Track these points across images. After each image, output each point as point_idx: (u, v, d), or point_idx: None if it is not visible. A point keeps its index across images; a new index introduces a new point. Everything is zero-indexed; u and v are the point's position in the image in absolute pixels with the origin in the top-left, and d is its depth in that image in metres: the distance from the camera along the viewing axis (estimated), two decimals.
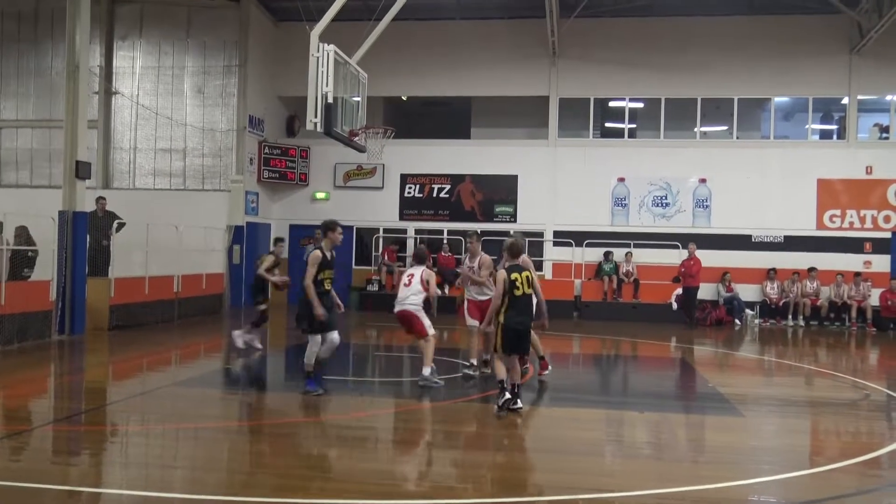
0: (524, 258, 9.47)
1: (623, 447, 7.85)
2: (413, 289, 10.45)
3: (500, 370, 8.59)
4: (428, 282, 10.50)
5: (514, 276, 8.48)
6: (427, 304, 10.51)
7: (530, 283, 8.57)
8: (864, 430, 9.00)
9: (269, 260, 13.18)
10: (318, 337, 9.34)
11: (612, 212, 21.68)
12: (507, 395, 8.49)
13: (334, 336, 9.51)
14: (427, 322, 10.42)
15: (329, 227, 9.52)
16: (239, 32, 21.28)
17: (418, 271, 10.60)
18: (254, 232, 21.80)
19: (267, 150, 22.31)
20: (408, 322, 10.51)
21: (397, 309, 10.58)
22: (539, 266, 21.58)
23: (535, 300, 8.83)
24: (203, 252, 18.98)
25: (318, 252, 9.23)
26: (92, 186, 17.45)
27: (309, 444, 7.65)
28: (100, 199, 16.60)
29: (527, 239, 10.34)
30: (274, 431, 7.92)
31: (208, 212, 20.48)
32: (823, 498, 6.04)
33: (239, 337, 13.04)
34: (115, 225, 16.12)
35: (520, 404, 8.58)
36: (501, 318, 8.49)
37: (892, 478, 6.92)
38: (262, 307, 13.06)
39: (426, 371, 10.22)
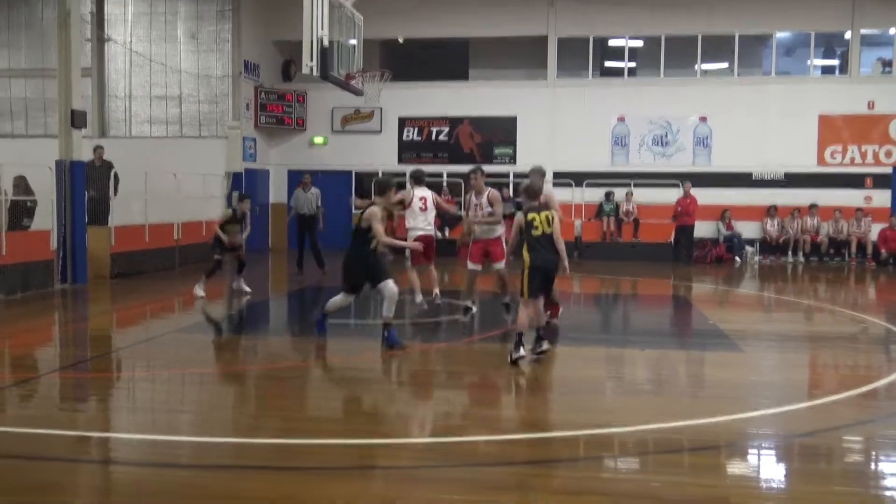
0: (547, 195, 8.96)
1: (624, 384, 7.94)
2: (431, 212, 11.04)
3: (524, 321, 8.08)
4: (437, 201, 11.26)
5: (530, 216, 8.12)
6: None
7: (550, 223, 8.13)
8: (863, 363, 9.11)
9: (226, 215, 13.29)
10: (351, 297, 9.17)
11: (611, 151, 21.56)
12: (523, 350, 7.99)
13: (390, 286, 8.77)
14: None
15: (385, 188, 9.21)
16: None
17: (428, 193, 11.13)
18: (252, 178, 21.71)
19: (263, 96, 22.10)
20: (428, 246, 10.93)
21: (420, 234, 10.94)
22: None
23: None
24: (202, 199, 18.93)
25: (377, 209, 8.75)
26: (88, 135, 17.34)
27: (313, 387, 7.74)
28: (97, 149, 16.49)
29: (545, 177, 9.96)
30: (278, 375, 8.00)
31: (206, 159, 20.36)
32: (821, 429, 6.13)
33: (199, 288, 12.76)
34: (112, 178, 16.01)
35: (545, 346, 8.31)
36: (526, 261, 8.06)
37: (889, 409, 7.02)
38: (217, 258, 13.00)
39: (437, 294, 11.22)
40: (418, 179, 11.28)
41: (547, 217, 8.15)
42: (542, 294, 8.39)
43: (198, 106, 21.37)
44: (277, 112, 22.33)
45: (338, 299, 9.14)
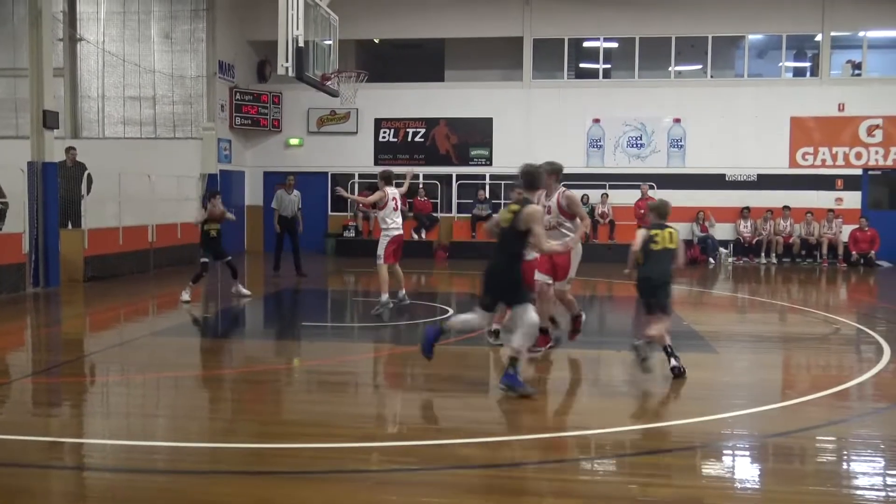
0: (569, 197, 8.77)
1: (599, 386, 7.99)
2: (399, 210, 11.38)
3: (660, 332, 7.76)
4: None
5: (653, 232, 7.92)
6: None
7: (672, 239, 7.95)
8: (835, 363, 9.23)
9: (203, 215, 13.13)
10: (487, 316, 7.60)
11: (587, 153, 21.67)
12: (674, 360, 7.68)
13: (531, 315, 7.18)
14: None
15: (538, 181, 7.70)
16: None
17: (397, 192, 11.46)
18: (227, 180, 21.57)
19: (238, 97, 21.98)
20: (400, 245, 11.42)
21: (395, 233, 11.36)
22: None
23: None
24: (177, 201, 18.79)
25: (538, 208, 7.39)
26: (61, 136, 17.13)
27: (289, 391, 7.72)
28: (70, 150, 16.31)
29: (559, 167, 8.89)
30: (254, 378, 7.97)
31: (180, 160, 20.20)
32: (794, 430, 6.20)
33: (185, 293, 12.49)
34: (85, 179, 15.85)
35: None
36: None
37: (860, 409, 7.12)
38: (204, 261, 12.89)
39: (403, 294, 11.48)
40: (388, 179, 11.44)
41: (671, 234, 7.99)
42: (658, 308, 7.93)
43: (172, 107, 21.20)
44: (253, 113, 22.22)
45: (468, 318, 7.47)
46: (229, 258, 13.15)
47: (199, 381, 7.93)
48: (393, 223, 11.35)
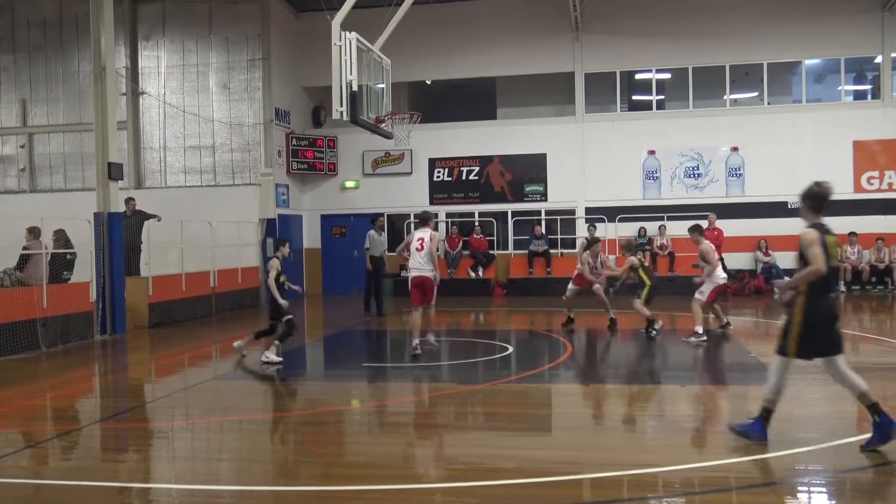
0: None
1: (664, 421, 7.79)
2: (425, 252, 10.83)
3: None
4: (435, 243, 10.98)
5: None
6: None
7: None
8: None
9: (277, 267, 11.25)
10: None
11: (643, 185, 21.47)
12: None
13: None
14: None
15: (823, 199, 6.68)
16: (260, 26, 21.34)
17: (426, 234, 10.94)
18: (286, 224, 21.93)
19: (294, 142, 22.40)
20: (422, 287, 10.90)
21: (414, 274, 10.96)
22: (572, 243, 21.48)
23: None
24: (237, 246, 19.15)
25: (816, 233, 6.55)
26: (125, 187, 17.66)
27: (351, 432, 7.70)
28: (129, 200, 16.77)
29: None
30: (317, 420, 7.98)
31: (240, 206, 20.63)
32: (872, 465, 5.94)
33: (268, 352, 11.17)
34: (145, 223, 16.31)
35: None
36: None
37: None
38: (289, 317, 11.18)
39: (430, 337, 11.10)
40: (423, 220, 11.32)
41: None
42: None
43: (231, 154, 21.70)
44: (309, 157, 22.60)
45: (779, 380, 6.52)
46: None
47: (263, 424, 7.97)
48: (412, 264, 11.06)
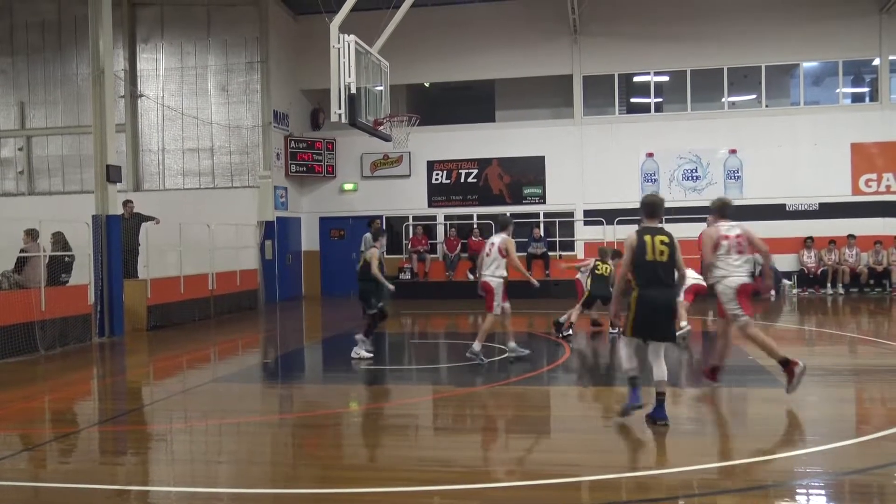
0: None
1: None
2: (492, 258, 10.62)
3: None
4: (507, 249, 10.57)
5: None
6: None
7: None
8: None
9: (377, 255, 11.43)
10: None
11: (641, 188, 21.47)
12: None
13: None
14: (497, 300, 10.54)
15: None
16: (259, 29, 21.35)
17: (498, 239, 10.70)
18: (284, 226, 21.93)
19: (293, 145, 22.40)
20: (484, 292, 10.70)
21: (480, 279, 10.79)
22: (570, 245, 21.49)
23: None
24: (235, 249, 19.14)
25: None
26: (123, 189, 17.66)
27: (350, 434, 7.69)
28: (127, 203, 16.74)
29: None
30: (315, 423, 7.97)
31: (238, 209, 20.63)
32: (872, 466, 5.94)
33: (360, 347, 11.46)
34: (143, 226, 16.30)
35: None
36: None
37: None
38: (380, 305, 11.55)
39: (476, 346, 10.49)
40: (501, 225, 11.03)
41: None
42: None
43: (229, 157, 21.70)
44: (307, 160, 22.60)
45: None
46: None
47: (261, 427, 7.96)
48: (482, 270, 10.85)
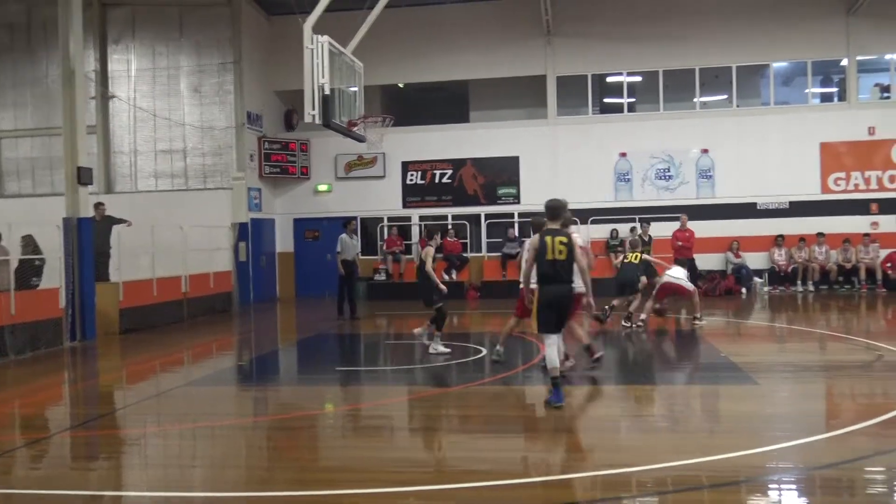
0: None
1: (639, 421, 7.85)
2: (531, 263, 10.43)
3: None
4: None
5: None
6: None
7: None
8: (879, 391, 9.00)
9: (431, 253, 11.62)
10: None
11: (615, 187, 21.63)
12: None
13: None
14: (527, 304, 10.24)
15: None
16: (231, 29, 21.23)
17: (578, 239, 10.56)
18: (258, 228, 21.83)
19: (267, 146, 22.30)
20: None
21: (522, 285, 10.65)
22: None
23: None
24: (209, 251, 19.01)
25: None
26: (94, 192, 17.48)
27: (326, 436, 7.68)
28: (98, 205, 16.56)
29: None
30: (290, 425, 7.95)
31: (212, 210, 20.49)
32: (842, 461, 6.03)
33: (434, 344, 11.60)
34: (114, 229, 16.14)
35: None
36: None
37: None
38: (440, 305, 11.53)
39: (499, 348, 10.59)
40: (536, 229, 10.82)
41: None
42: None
43: (202, 158, 21.56)
44: (281, 161, 22.51)
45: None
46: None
47: (236, 430, 7.92)
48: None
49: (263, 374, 11.63)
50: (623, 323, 13.77)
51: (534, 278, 8.27)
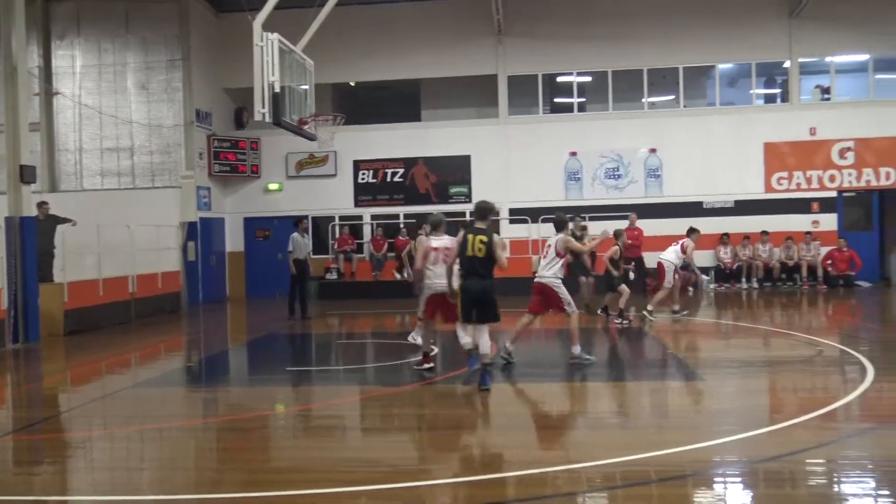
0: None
1: (587, 418, 7.96)
2: (549, 258, 10.33)
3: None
4: (566, 248, 10.29)
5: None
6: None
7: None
8: (820, 385, 9.25)
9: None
10: None
11: (565, 186, 21.83)
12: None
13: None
14: (566, 297, 10.27)
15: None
16: (179, 26, 20.91)
17: (555, 239, 10.41)
18: (208, 227, 21.56)
19: (216, 144, 22.03)
20: (543, 294, 10.39)
21: (535, 280, 10.58)
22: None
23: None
24: (157, 250, 18.71)
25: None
26: (38, 191, 17.10)
27: (276, 437, 7.64)
28: (42, 204, 16.16)
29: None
30: (240, 426, 7.88)
31: (160, 209, 20.17)
32: (784, 454, 6.19)
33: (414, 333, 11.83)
34: (59, 228, 15.79)
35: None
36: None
37: (848, 430, 7.12)
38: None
39: (575, 350, 10.27)
40: (558, 225, 10.65)
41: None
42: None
43: (150, 156, 21.20)
44: (231, 160, 22.26)
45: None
46: None
47: (184, 432, 7.82)
48: (538, 268, 10.60)
49: (213, 374, 11.50)
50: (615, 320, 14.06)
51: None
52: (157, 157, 21.20)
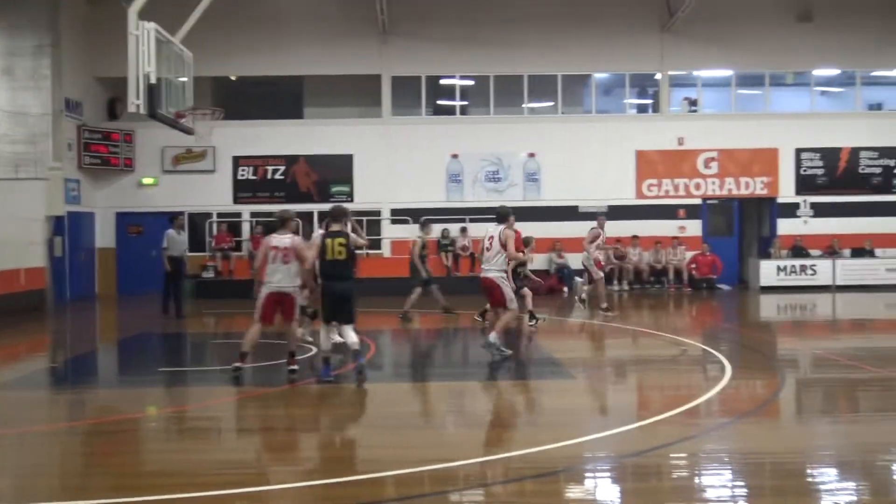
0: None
1: (462, 417, 8.10)
2: (493, 251, 10.29)
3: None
4: (505, 243, 10.20)
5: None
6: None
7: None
8: (684, 382, 9.75)
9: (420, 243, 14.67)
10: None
11: (447, 188, 22.06)
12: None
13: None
14: (509, 295, 10.27)
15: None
16: (48, 11, 19.86)
17: (497, 231, 10.34)
18: (76, 222, 20.58)
19: (87, 135, 21.08)
20: (488, 291, 10.36)
21: (481, 275, 10.50)
22: (377, 244, 21.65)
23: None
24: (20, 245, 17.74)
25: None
26: None
27: (146, 440, 7.42)
28: None
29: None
30: (108, 429, 7.60)
31: (24, 202, 19.06)
32: (649, 448, 6.49)
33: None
34: None
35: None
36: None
37: (708, 425, 7.55)
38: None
39: (492, 337, 10.23)
40: (500, 217, 10.87)
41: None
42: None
43: (13, 146, 19.99)
44: (103, 152, 21.35)
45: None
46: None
47: (47, 436, 7.48)
48: (483, 262, 10.57)
49: (80, 376, 11.03)
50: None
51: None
52: (20, 147, 20.01)
